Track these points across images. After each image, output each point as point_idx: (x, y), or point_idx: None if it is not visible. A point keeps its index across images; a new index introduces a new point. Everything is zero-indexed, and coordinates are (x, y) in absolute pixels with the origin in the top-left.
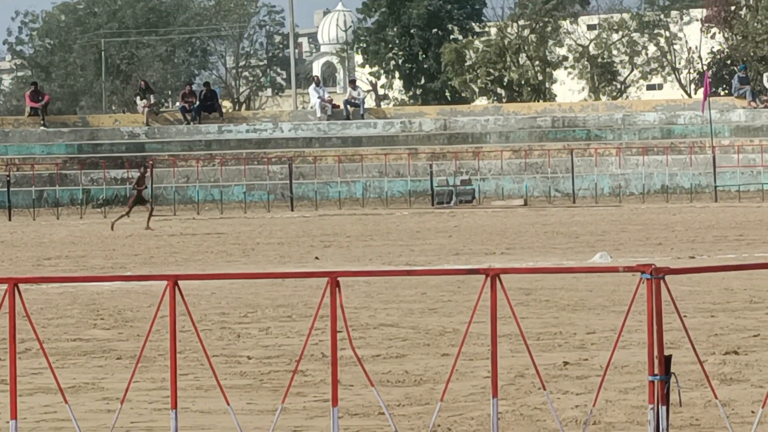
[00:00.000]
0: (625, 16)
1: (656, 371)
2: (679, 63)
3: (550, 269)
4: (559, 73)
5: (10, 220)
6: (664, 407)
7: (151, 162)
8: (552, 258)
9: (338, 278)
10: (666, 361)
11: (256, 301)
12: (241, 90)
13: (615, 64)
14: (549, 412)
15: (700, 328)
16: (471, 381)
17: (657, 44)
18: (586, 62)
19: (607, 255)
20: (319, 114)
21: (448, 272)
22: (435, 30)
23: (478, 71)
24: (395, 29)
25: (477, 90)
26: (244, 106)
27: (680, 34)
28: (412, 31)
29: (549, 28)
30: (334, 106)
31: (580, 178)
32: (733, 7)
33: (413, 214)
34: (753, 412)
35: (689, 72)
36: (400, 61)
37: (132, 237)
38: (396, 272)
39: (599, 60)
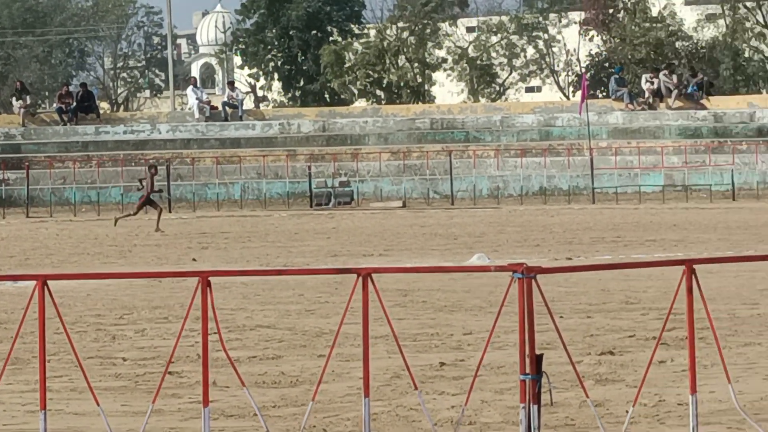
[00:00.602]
0: (504, 18)
1: (528, 370)
2: (558, 65)
3: (422, 269)
4: (438, 75)
5: None
6: (536, 406)
7: (152, 162)
8: (430, 259)
9: (209, 278)
10: (537, 361)
11: (132, 303)
12: (119, 91)
13: (494, 66)
14: (429, 413)
15: (577, 329)
16: (347, 382)
17: (536, 47)
18: (465, 64)
19: (485, 256)
20: (197, 115)
21: (319, 272)
22: (314, 32)
23: (358, 73)
24: (274, 31)
25: (356, 92)
26: (122, 108)
27: (559, 37)
28: (291, 32)
29: (428, 30)
30: (213, 108)
31: (459, 179)
32: (611, 10)
33: (291, 215)
34: (627, 411)
35: (568, 74)
36: (279, 63)
37: (6, 239)
38: (267, 272)
39: (478, 62)
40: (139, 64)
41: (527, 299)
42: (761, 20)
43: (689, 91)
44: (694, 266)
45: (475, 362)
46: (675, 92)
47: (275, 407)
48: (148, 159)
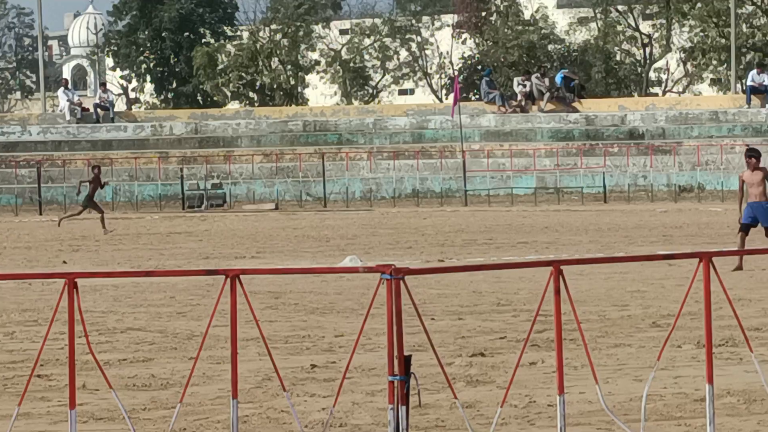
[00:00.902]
0: (377, 21)
1: (396, 372)
2: (431, 68)
3: (290, 270)
4: (311, 78)
5: None
6: (404, 407)
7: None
8: (302, 261)
9: (76, 280)
10: (406, 362)
11: (1, 306)
12: None
13: (367, 69)
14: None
15: (448, 331)
16: (218, 384)
17: (409, 49)
18: (338, 67)
19: (357, 258)
20: (68, 117)
21: (187, 273)
22: (187, 33)
23: (230, 75)
24: (146, 32)
25: (229, 94)
26: None
27: (432, 40)
28: (163, 34)
29: (301, 33)
30: (84, 110)
31: (332, 182)
32: (483, 13)
33: (164, 218)
34: (497, 412)
35: (441, 77)
36: (151, 65)
37: None
38: (134, 273)
39: (351, 65)
40: (9, 66)
41: (395, 300)
42: (632, 23)
43: None
44: (562, 268)
45: (345, 364)
46: (547, 95)
47: (145, 410)
48: (18, 161)
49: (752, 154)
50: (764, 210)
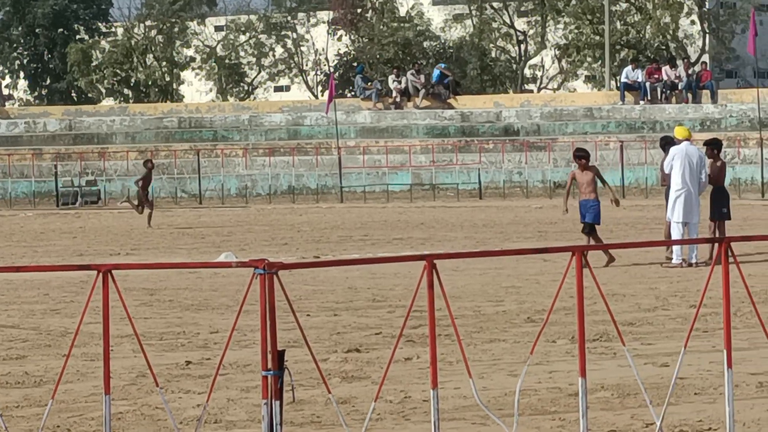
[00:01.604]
0: (253, 17)
1: (270, 367)
2: (307, 65)
3: (162, 265)
4: (186, 74)
5: None
6: (278, 402)
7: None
8: (177, 258)
9: None
10: (279, 357)
11: None
12: None
13: (242, 66)
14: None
15: (324, 327)
16: (92, 381)
17: (284, 46)
18: (213, 63)
19: (233, 255)
20: None
21: (58, 268)
22: (61, 30)
23: (105, 72)
24: (20, 29)
25: (104, 90)
26: None
27: (307, 36)
28: (37, 30)
29: (176, 29)
30: None
31: (207, 178)
32: (359, 10)
33: (38, 215)
34: (374, 409)
35: (316, 74)
36: (24, 61)
37: None
38: (5, 269)
39: (227, 61)
40: None
41: (269, 295)
42: (507, 20)
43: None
44: (436, 262)
45: (219, 360)
46: (422, 91)
47: (18, 407)
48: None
49: (580, 154)
50: (589, 207)
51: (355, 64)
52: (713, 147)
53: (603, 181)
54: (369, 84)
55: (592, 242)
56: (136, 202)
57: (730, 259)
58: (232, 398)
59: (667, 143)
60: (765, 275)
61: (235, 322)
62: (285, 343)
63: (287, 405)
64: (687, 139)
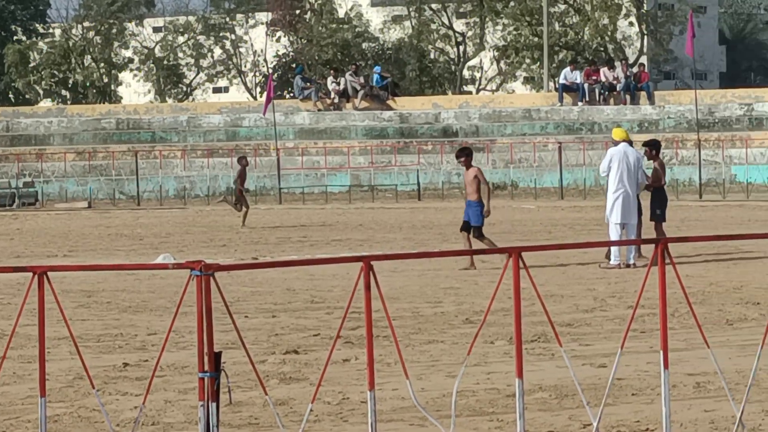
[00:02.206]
0: (191, 18)
1: (206, 368)
2: (245, 66)
3: (99, 266)
4: (124, 75)
5: None
6: (215, 404)
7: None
8: (115, 260)
9: None
10: (216, 358)
11: None
12: None
13: (181, 67)
14: (107, 414)
15: (262, 328)
16: (28, 383)
17: (223, 47)
18: (151, 64)
19: (171, 256)
20: None
21: None
22: None
23: (43, 73)
24: None
25: (41, 92)
26: None
27: (246, 38)
28: None
29: (114, 30)
30: None
31: (145, 180)
32: (298, 11)
33: None
34: (312, 411)
35: (255, 75)
36: None
37: None
38: None
39: (165, 62)
40: None
41: (205, 297)
42: (446, 22)
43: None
44: (373, 263)
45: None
46: (361, 93)
47: None
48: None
49: (460, 153)
50: (472, 209)
51: (294, 65)
52: (652, 148)
53: (484, 182)
54: (308, 85)
55: (483, 245)
56: (234, 201)
57: (667, 260)
58: (170, 400)
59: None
60: (702, 276)
61: (171, 324)
62: (223, 344)
63: (225, 407)
64: (624, 141)
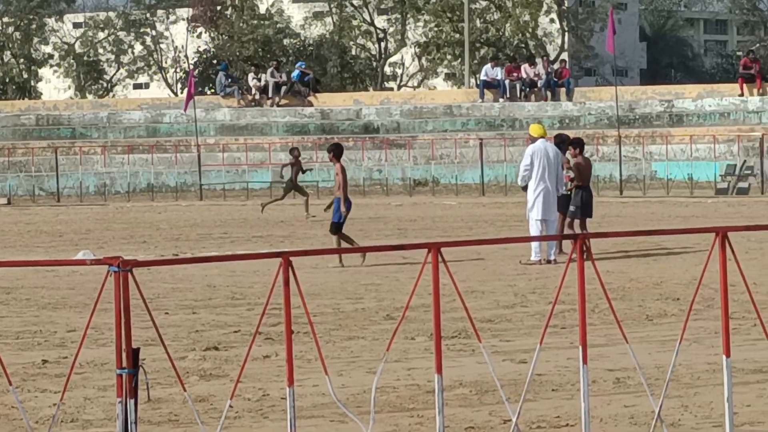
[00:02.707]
0: (112, 14)
1: (124, 365)
2: (166, 62)
3: (13, 263)
4: (44, 71)
5: None
6: (133, 400)
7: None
8: (34, 256)
9: None
10: (134, 355)
11: None
12: None
13: (101, 63)
14: (26, 411)
15: (182, 325)
16: None
17: (143, 43)
18: (71, 60)
19: (91, 253)
20: None
21: None
22: None
23: None
24: None
25: None
26: None
27: (167, 33)
28: None
29: (34, 26)
30: None
31: (65, 176)
32: (219, 7)
33: None
34: (231, 406)
35: (176, 71)
36: None
37: None
38: None
39: (85, 58)
40: None
41: (123, 293)
42: (368, 18)
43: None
44: (292, 259)
45: (78, 359)
46: (283, 89)
47: None
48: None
49: (329, 148)
50: (335, 204)
51: (215, 61)
52: (576, 146)
53: (342, 179)
54: (231, 82)
55: (345, 244)
56: (280, 195)
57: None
58: (89, 397)
59: (562, 141)
60: (623, 272)
61: (89, 321)
62: (144, 341)
63: (144, 403)
64: (542, 137)
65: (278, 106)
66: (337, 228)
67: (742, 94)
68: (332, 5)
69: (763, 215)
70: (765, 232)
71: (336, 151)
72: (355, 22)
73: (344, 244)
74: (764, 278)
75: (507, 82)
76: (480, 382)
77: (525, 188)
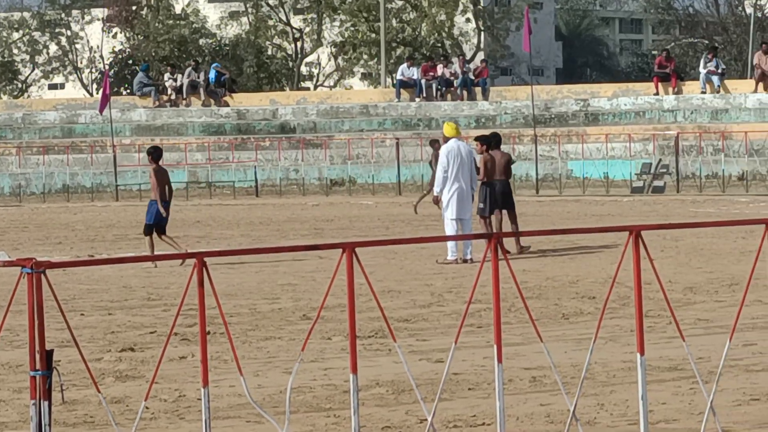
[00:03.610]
0: (26, 14)
1: (38, 367)
2: (81, 62)
3: None
4: None
5: None
6: (47, 402)
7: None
8: None
9: None
10: (47, 356)
11: None
12: None
13: (16, 63)
14: None
15: (98, 326)
16: None
17: (58, 43)
18: None
19: (5, 254)
20: None
21: None
22: None
23: None
24: None
25: None
26: None
27: (82, 34)
28: None
29: None
30: None
31: None
32: (134, 7)
33: None
34: (148, 408)
35: (91, 71)
36: None
37: None
38: None
39: (0, 59)
40: None
41: (36, 294)
42: (284, 18)
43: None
44: (206, 260)
45: None
46: (199, 89)
47: None
48: None
49: (149, 152)
50: (149, 206)
51: (130, 61)
52: (482, 142)
53: (156, 182)
54: (149, 82)
55: (169, 247)
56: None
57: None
58: (4, 399)
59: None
60: (539, 271)
61: (2, 323)
62: (60, 342)
63: (59, 405)
64: (455, 137)
65: (194, 106)
66: (148, 230)
67: (657, 93)
68: (248, 5)
69: (678, 213)
70: (680, 231)
71: (155, 154)
72: (271, 22)
73: (168, 248)
74: (679, 277)
75: (423, 81)
76: (396, 382)
77: (437, 201)
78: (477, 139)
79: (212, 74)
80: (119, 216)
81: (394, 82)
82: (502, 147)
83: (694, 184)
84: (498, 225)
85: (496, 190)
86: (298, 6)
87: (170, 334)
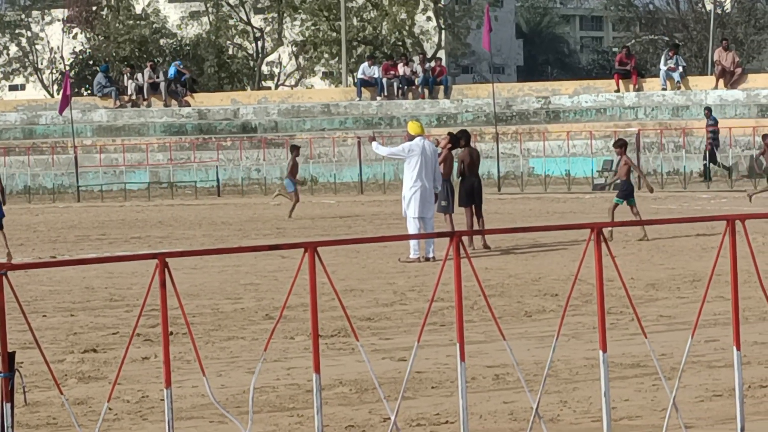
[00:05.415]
0: None
1: (0, 368)
2: (42, 63)
3: None
4: None
5: None
6: (9, 404)
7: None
8: None
9: None
10: (10, 358)
11: None
12: None
13: None
14: None
15: (60, 327)
16: None
17: (19, 44)
18: None
19: None
20: None
21: None
22: None
23: None
24: None
25: None
26: None
27: (42, 35)
28: None
29: None
30: None
31: None
32: (94, 8)
33: None
34: (111, 409)
35: (52, 72)
36: None
37: None
38: None
39: None
40: None
41: None
42: (244, 17)
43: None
44: (168, 260)
45: None
46: (160, 89)
47: None
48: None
49: None
50: None
51: (91, 62)
52: (468, 138)
53: None
54: (109, 83)
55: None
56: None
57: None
58: None
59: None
60: (501, 269)
61: None
62: (22, 344)
63: (22, 407)
64: (420, 135)
65: (155, 106)
66: None
67: (618, 90)
68: (208, 5)
69: (640, 210)
70: (641, 227)
71: None
72: (231, 22)
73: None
74: (641, 273)
75: (384, 80)
76: (359, 381)
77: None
78: (450, 134)
79: (172, 70)
80: (81, 217)
81: (356, 81)
82: None
83: (655, 181)
84: (470, 221)
85: (475, 186)
86: (259, 5)
87: (132, 335)
